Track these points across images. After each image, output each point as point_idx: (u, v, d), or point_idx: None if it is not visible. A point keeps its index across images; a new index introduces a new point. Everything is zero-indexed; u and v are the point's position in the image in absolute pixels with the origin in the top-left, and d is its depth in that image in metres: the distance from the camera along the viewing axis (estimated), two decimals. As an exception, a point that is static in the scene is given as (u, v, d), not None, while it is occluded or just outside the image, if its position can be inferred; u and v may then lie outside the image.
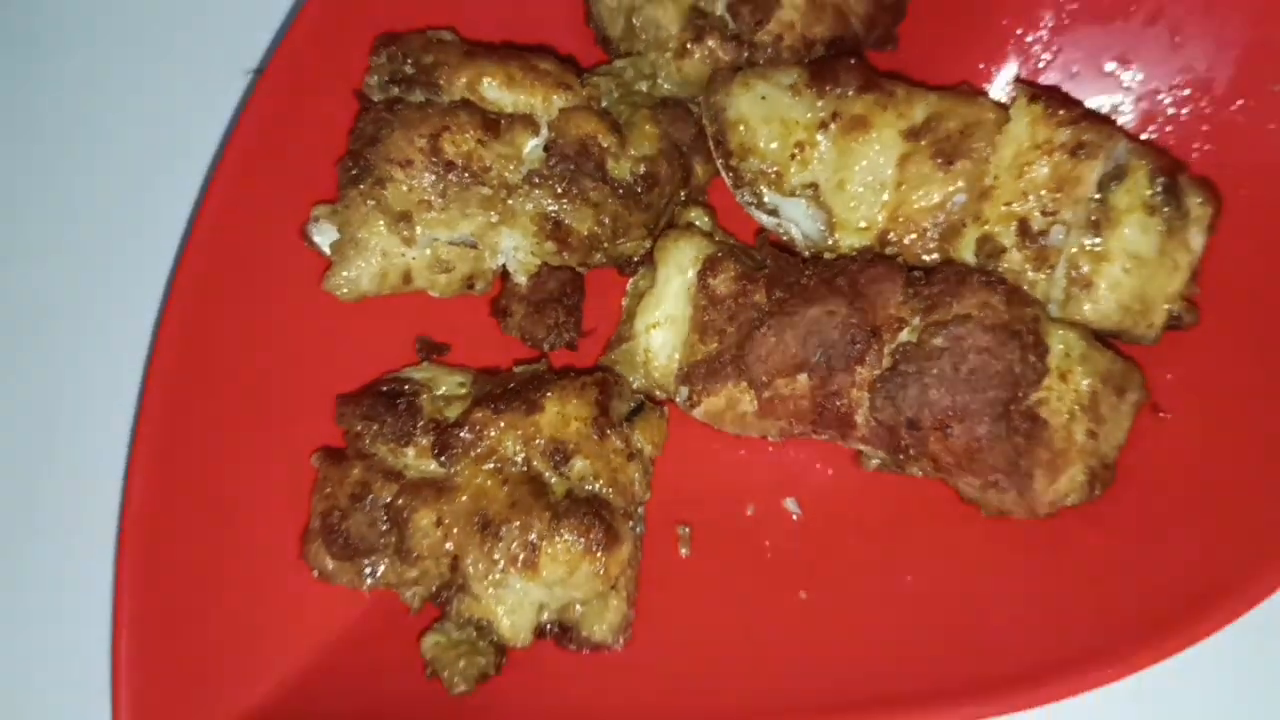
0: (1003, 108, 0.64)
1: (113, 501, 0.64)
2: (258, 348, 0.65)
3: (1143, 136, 0.69)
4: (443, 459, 0.61)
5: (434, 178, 0.63)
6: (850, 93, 0.64)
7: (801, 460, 0.68)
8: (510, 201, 0.65)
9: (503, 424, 0.61)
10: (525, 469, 0.61)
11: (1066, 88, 0.69)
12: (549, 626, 0.64)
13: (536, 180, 0.64)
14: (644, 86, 0.70)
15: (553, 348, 0.70)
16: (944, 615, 0.63)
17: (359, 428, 0.63)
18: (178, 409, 0.61)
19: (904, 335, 0.60)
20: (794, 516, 0.67)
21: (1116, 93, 0.68)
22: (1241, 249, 0.64)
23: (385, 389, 0.64)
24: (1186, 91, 0.68)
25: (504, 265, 0.68)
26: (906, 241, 0.63)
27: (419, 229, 0.64)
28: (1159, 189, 0.61)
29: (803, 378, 0.61)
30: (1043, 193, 0.61)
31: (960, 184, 0.62)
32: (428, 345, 0.69)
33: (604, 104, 0.67)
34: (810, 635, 0.62)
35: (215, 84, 0.73)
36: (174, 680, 0.58)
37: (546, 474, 0.62)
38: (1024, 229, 0.62)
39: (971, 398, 0.59)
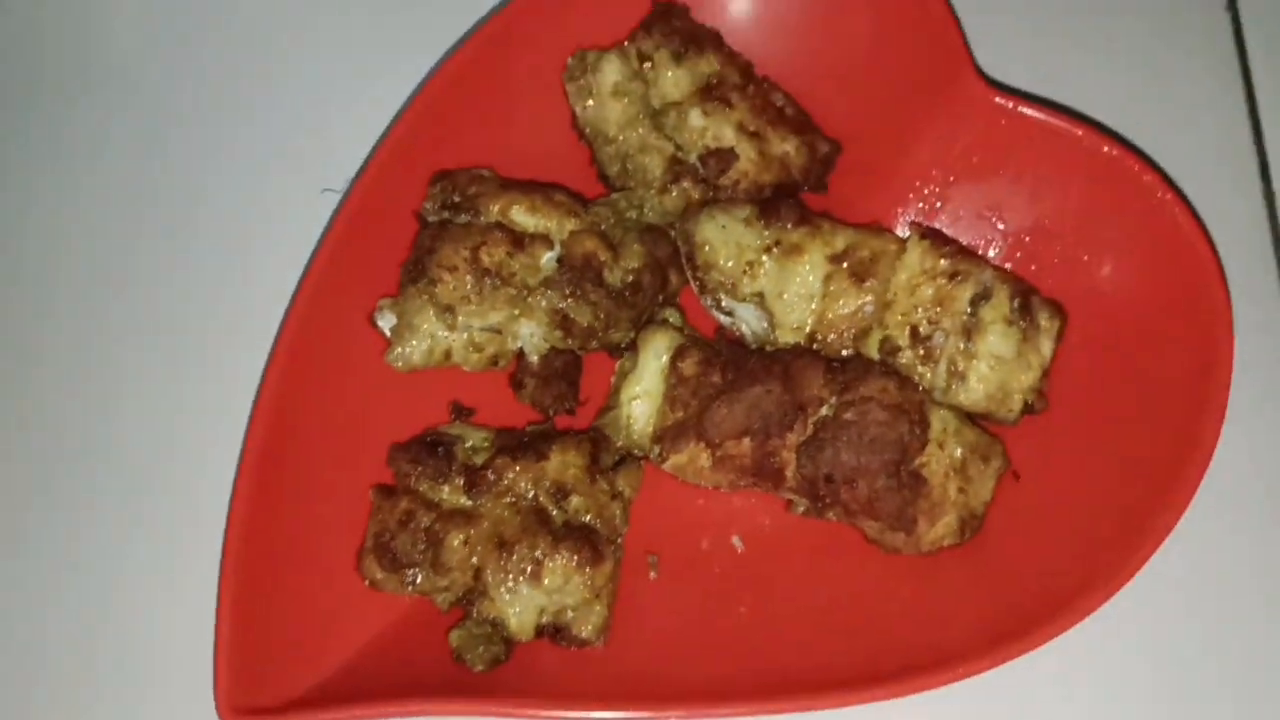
0: (902, 241, 0.76)
1: (221, 517, 0.74)
2: (333, 406, 0.76)
3: (1007, 266, 0.79)
4: (471, 494, 0.73)
5: (473, 280, 0.75)
6: (789, 226, 0.76)
7: (745, 506, 0.78)
8: (529, 299, 0.76)
9: (518, 468, 0.73)
10: (534, 503, 0.73)
11: (952, 228, 0.80)
12: (546, 626, 0.72)
13: (550, 284, 0.76)
14: (634, 215, 0.80)
15: (556, 413, 0.80)
16: (848, 627, 0.73)
17: (407, 469, 0.74)
18: (273, 450, 0.72)
19: (824, 410, 0.72)
20: (738, 550, 0.78)
21: (990, 233, 0.80)
22: (1081, 355, 0.76)
23: (428, 440, 0.75)
24: (1042, 234, 0.79)
25: (521, 347, 0.78)
26: (829, 340, 0.75)
27: (460, 318, 0.75)
28: (1016, 306, 0.74)
29: (747, 440, 0.72)
30: (929, 307, 0.74)
31: (869, 298, 0.75)
32: (459, 409, 0.80)
33: (603, 227, 0.78)
34: (747, 640, 0.73)
35: (302, 198, 0.85)
36: (262, 656, 0.69)
37: (550, 507, 0.73)
38: (915, 333, 0.74)
39: (871, 459, 0.71)
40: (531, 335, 0.77)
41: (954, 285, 0.74)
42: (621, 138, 0.80)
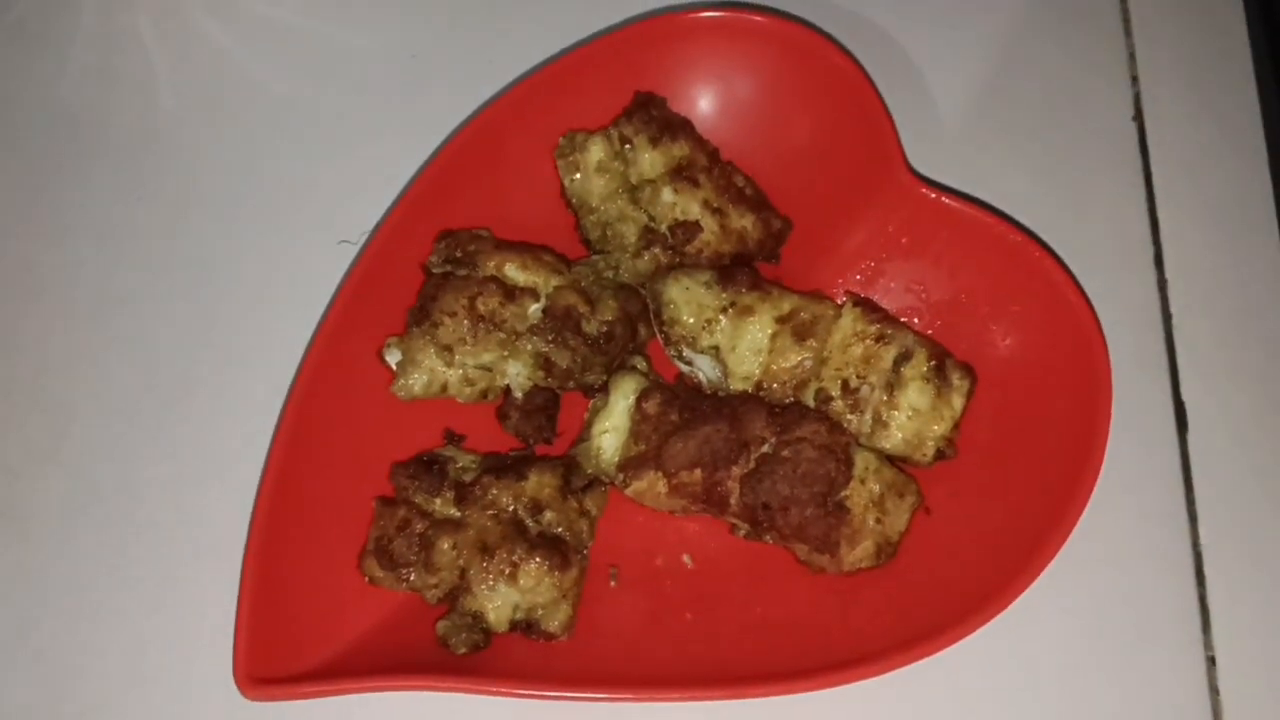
0: (839, 308, 0.88)
1: (244, 523, 0.85)
2: (345, 428, 0.87)
3: (929, 333, 0.91)
4: (459, 506, 0.84)
5: (469, 324, 0.85)
6: (743, 290, 0.87)
7: (696, 529, 0.90)
8: (517, 343, 0.86)
9: (500, 485, 0.84)
10: (513, 515, 0.83)
11: (883, 298, 0.93)
12: (520, 621, 0.83)
13: (536, 331, 0.86)
14: (610, 275, 0.91)
15: (536, 443, 0.90)
16: (778, 633, 0.85)
17: (405, 484, 0.85)
18: (293, 463, 0.84)
19: (764, 448, 0.83)
20: (688, 566, 0.89)
21: (915, 304, 0.93)
22: (986, 411, 0.89)
23: (425, 459, 0.87)
24: (958, 307, 0.92)
25: (508, 384, 0.88)
26: (773, 388, 0.87)
27: (456, 357, 0.86)
28: (933, 367, 0.86)
29: (698, 471, 0.83)
30: (858, 364, 0.86)
31: (808, 354, 0.86)
32: (452, 435, 0.91)
33: (583, 284, 0.88)
34: (692, 641, 0.85)
35: (319, 249, 0.99)
36: (275, 637, 0.81)
37: (526, 520, 0.84)
38: (845, 386, 0.86)
39: (802, 490, 0.82)
40: (517, 374, 0.88)
41: (880, 346, 0.87)
42: (602, 208, 0.92)
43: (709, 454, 0.84)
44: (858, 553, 0.85)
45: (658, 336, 0.91)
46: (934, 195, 0.92)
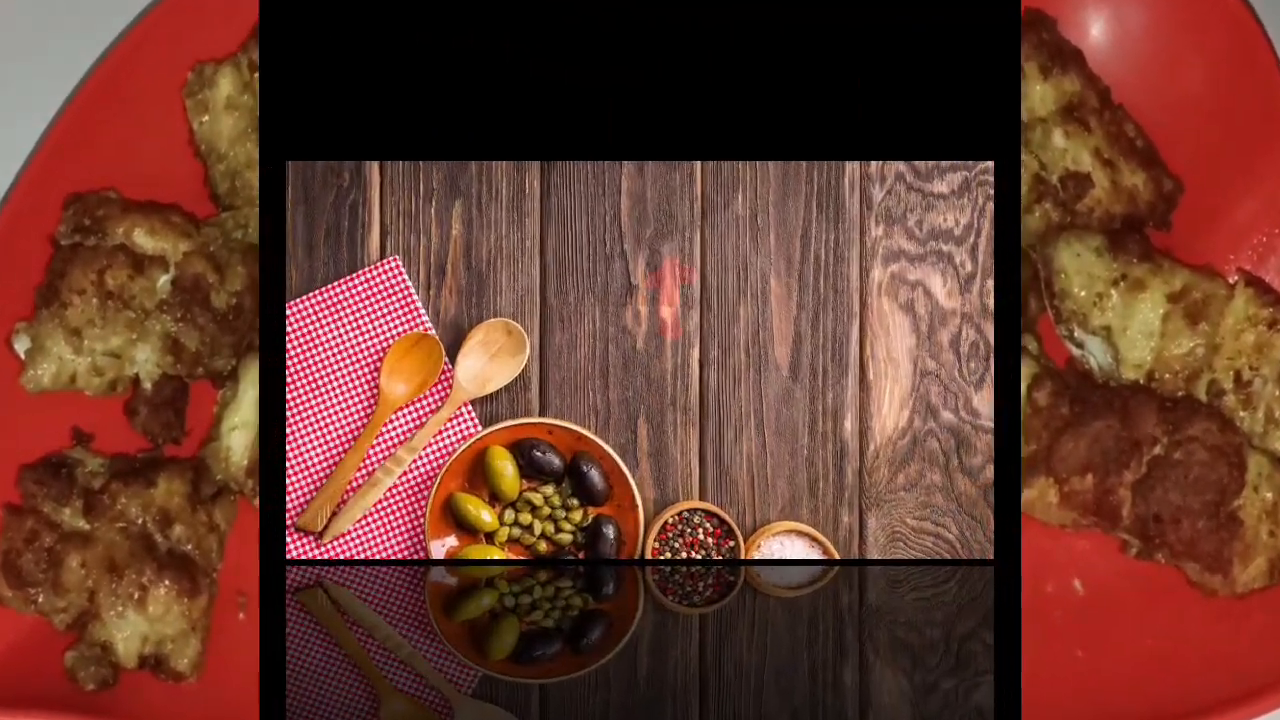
0: (1231, 286, 0.84)
1: None
2: None
3: None
4: (88, 517, 0.82)
5: (98, 303, 0.83)
6: (1134, 260, 0.83)
7: (1085, 548, 0.86)
8: (146, 323, 0.84)
9: (129, 494, 0.82)
10: (142, 529, 0.82)
11: (1278, 280, 0.86)
12: (149, 656, 0.81)
13: (165, 307, 0.84)
14: (239, 235, 0.87)
15: (165, 442, 0.87)
16: (1168, 667, 0.82)
17: (33, 489, 0.82)
18: None
19: (1156, 449, 0.80)
20: (1079, 592, 0.86)
21: None
22: None
23: (54, 462, 0.84)
24: None
25: (137, 373, 0.85)
26: (1165, 379, 0.83)
27: (85, 342, 0.83)
28: None
29: (1089, 477, 0.80)
30: (1250, 353, 0.83)
31: (1200, 340, 0.83)
32: (80, 434, 0.87)
33: (212, 248, 0.86)
34: (1085, 684, 0.82)
35: None
36: None
37: (156, 534, 0.82)
38: (1237, 378, 0.83)
39: (1194, 499, 0.80)
40: (146, 361, 0.85)
41: (1273, 334, 0.83)
42: (233, 154, 0.87)
43: (1099, 455, 0.81)
44: (1251, 571, 0.82)
45: (1048, 311, 0.86)
46: (1335, 164, 0.88)
